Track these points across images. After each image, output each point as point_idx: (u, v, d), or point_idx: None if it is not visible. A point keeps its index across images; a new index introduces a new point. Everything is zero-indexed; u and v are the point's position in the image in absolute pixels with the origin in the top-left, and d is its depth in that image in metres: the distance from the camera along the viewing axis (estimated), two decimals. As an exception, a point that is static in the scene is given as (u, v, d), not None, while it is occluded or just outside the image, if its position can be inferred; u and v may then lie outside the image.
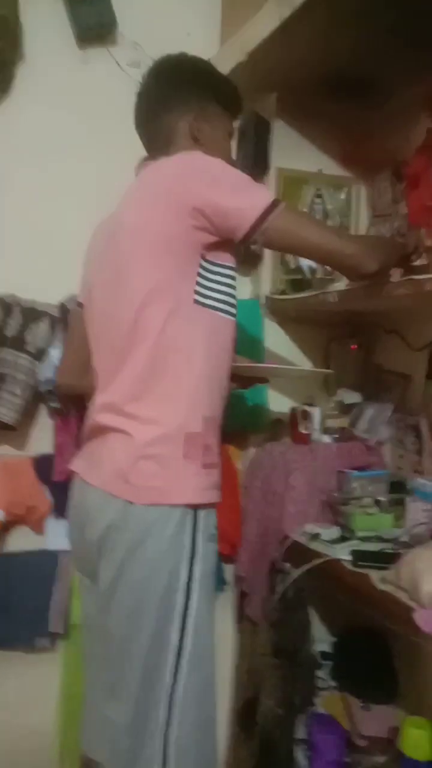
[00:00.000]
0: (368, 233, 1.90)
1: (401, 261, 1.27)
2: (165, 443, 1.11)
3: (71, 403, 1.67)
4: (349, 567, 1.42)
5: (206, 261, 1.15)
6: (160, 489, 1.10)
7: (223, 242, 1.16)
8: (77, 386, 1.44)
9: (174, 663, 1.09)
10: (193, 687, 1.10)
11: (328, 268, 1.75)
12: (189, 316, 1.14)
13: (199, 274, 1.15)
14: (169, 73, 1.30)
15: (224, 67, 1.65)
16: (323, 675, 1.76)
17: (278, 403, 1.86)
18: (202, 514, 1.14)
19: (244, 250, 1.79)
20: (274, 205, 1.12)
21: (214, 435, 1.19)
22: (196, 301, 1.14)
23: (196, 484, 1.13)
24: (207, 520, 1.15)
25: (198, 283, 1.14)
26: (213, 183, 1.12)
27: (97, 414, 1.21)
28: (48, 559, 1.74)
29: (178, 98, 1.27)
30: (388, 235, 1.75)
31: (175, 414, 1.13)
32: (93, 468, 1.19)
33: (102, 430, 1.19)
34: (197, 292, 1.14)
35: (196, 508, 1.13)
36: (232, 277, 1.20)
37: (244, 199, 1.12)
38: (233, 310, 1.21)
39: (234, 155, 1.86)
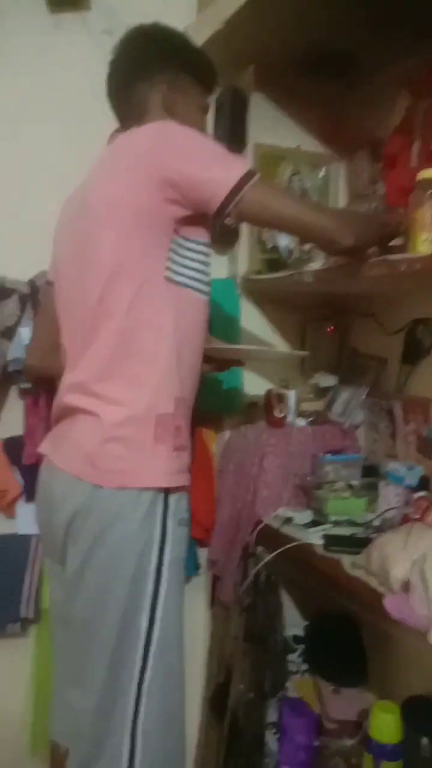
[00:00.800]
0: (347, 213, 1.87)
1: (384, 239, 1.23)
2: (134, 425, 1.08)
3: (42, 384, 1.63)
4: (321, 552, 1.41)
5: (179, 236, 1.11)
6: (128, 472, 1.07)
7: (197, 217, 1.12)
8: (47, 367, 1.40)
9: (143, 650, 1.07)
10: (161, 675, 1.09)
11: (305, 247, 1.72)
12: (159, 293, 1.10)
13: (171, 250, 1.11)
14: (143, 43, 1.26)
15: (201, 35, 1.59)
16: (295, 659, 1.76)
17: (253, 385, 1.84)
18: (173, 497, 1.12)
19: (220, 228, 1.75)
20: (248, 176, 1.07)
21: (184, 416, 1.16)
22: (167, 278, 1.11)
23: (166, 467, 1.10)
24: (178, 504, 1.13)
25: (169, 259, 1.11)
26: (185, 154, 1.08)
27: (65, 394, 1.17)
28: (19, 544, 1.71)
29: (152, 68, 1.23)
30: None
31: (144, 394, 1.10)
32: (60, 451, 1.16)
33: (70, 411, 1.15)
34: (168, 269, 1.11)
35: (166, 491, 1.10)
36: (206, 254, 1.17)
37: (217, 169, 1.08)
38: (206, 288, 1.17)
39: (210, 129, 1.82)
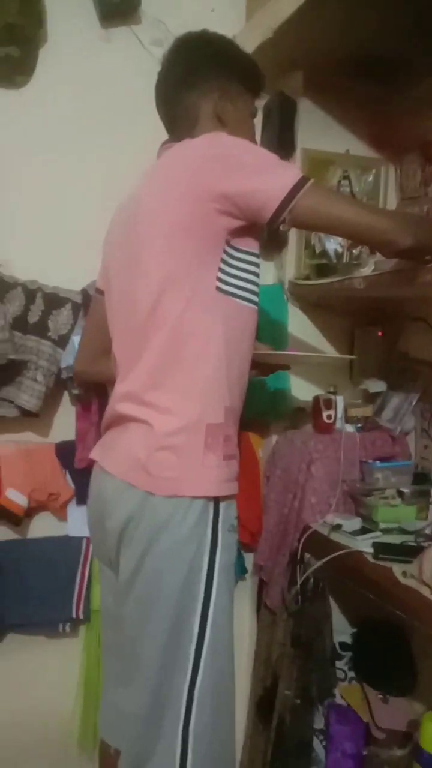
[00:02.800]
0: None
1: None
2: (185, 434, 1.10)
3: (92, 390, 1.66)
4: (371, 559, 1.40)
5: (230, 247, 1.12)
6: (179, 480, 1.09)
7: (249, 227, 1.12)
8: (96, 373, 1.43)
9: (195, 653, 1.09)
10: (212, 678, 1.10)
11: (355, 252, 1.71)
12: (209, 303, 1.11)
13: (223, 260, 1.11)
14: (192, 52, 1.25)
15: (249, 44, 1.60)
16: (342, 666, 1.75)
17: (301, 390, 1.84)
18: (223, 504, 1.13)
19: (267, 234, 1.76)
20: (301, 182, 1.07)
21: (234, 425, 1.17)
22: (218, 288, 1.11)
23: (216, 475, 1.11)
24: (228, 511, 1.14)
25: (221, 270, 1.11)
26: (237, 166, 1.08)
27: (117, 403, 1.19)
28: (71, 546, 1.75)
29: (202, 77, 1.23)
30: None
31: (194, 404, 1.11)
32: (112, 457, 1.18)
33: (122, 419, 1.18)
34: (219, 279, 1.11)
35: (216, 499, 1.12)
36: (256, 264, 1.17)
37: (269, 178, 1.08)
38: (255, 298, 1.18)
39: (259, 135, 1.82)
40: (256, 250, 1.17)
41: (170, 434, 1.09)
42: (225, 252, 1.12)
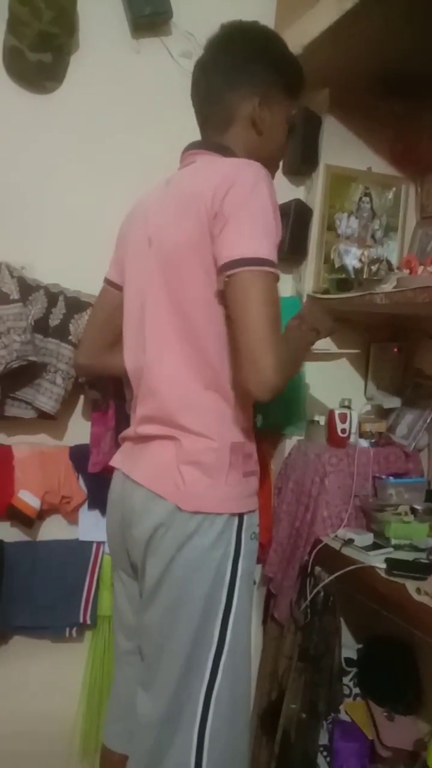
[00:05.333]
0: (415, 234, 1.87)
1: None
2: (212, 453, 1.11)
3: (110, 395, 1.67)
4: (383, 575, 1.40)
5: None
6: (204, 497, 1.10)
7: None
8: (99, 366, 1.44)
9: (214, 657, 1.10)
10: (230, 681, 1.10)
11: (374, 268, 1.72)
12: (221, 330, 1.10)
13: None
14: (242, 48, 1.18)
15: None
16: (347, 682, 1.74)
17: (315, 403, 1.84)
18: (246, 515, 1.15)
19: (288, 246, 1.77)
20: (260, 261, 1.00)
21: (252, 443, 1.19)
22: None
23: (238, 493, 1.13)
24: (251, 519, 1.16)
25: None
26: (241, 204, 1.03)
27: (140, 425, 1.20)
28: (81, 550, 1.74)
29: (247, 78, 1.17)
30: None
31: (219, 425, 1.12)
32: (139, 467, 1.19)
33: (147, 438, 1.19)
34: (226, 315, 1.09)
35: (240, 513, 1.14)
36: None
37: (246, 238, 1.02)
38: None
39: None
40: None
41: (199, 451, 1.11)
42: None
